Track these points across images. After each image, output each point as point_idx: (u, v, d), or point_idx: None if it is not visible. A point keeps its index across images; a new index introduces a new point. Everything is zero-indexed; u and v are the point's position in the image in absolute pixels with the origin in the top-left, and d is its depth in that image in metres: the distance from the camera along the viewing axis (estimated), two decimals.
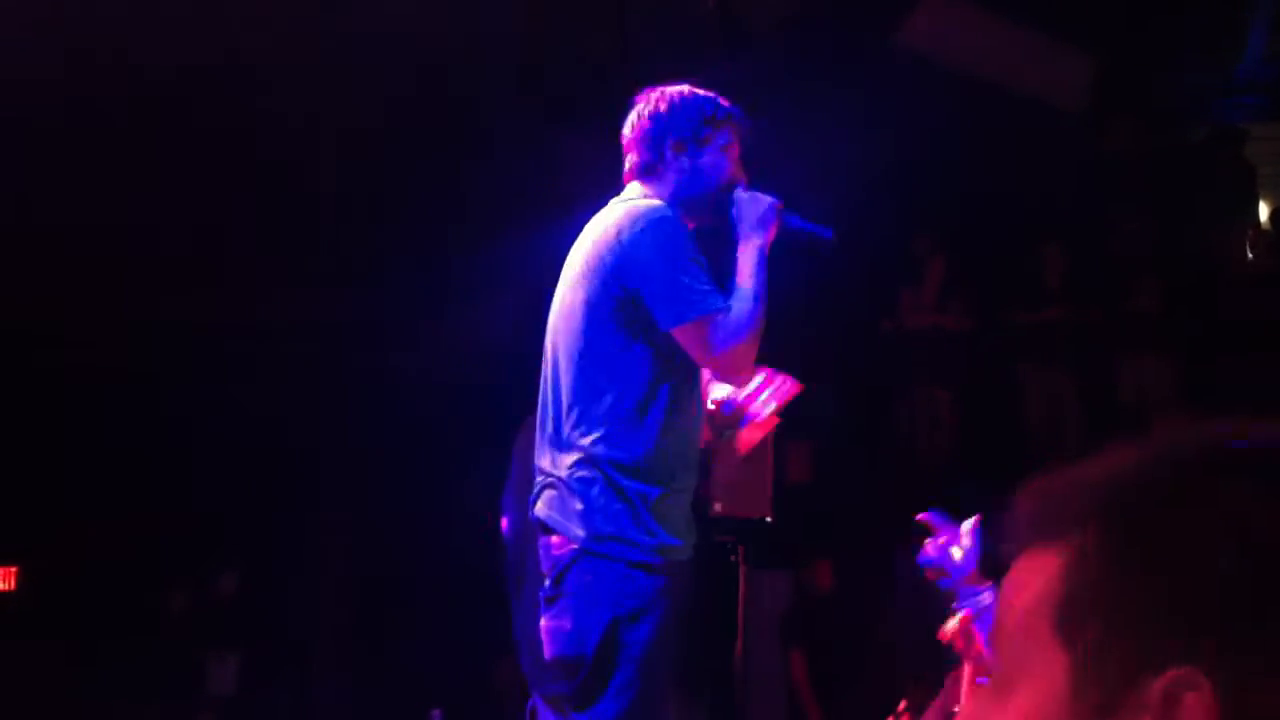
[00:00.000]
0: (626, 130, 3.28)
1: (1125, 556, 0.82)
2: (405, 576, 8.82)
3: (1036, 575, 0.86)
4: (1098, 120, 9.48)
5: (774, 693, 7.48)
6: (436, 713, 6.58)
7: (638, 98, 3.30)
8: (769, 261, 3.17)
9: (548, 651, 3.11)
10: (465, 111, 8.10)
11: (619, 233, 3.07)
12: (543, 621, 3.12)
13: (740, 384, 3.24)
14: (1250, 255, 9.11)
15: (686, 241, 3.06)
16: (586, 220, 3.26)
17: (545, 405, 3.18)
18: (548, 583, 3.11)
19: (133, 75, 7.30)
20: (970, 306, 9.10)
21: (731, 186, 3.23)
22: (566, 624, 3.05)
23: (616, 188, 3.31)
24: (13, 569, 9.03)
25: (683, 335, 3.03)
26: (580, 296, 3.10)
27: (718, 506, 4.15)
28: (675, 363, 3.09)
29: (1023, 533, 0.89)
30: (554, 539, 3.09)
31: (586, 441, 3.06)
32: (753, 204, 3.19)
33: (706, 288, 3.03)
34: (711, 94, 3.30)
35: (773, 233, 3.18)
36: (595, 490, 3.03)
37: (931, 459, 8.94)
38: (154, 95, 7.41)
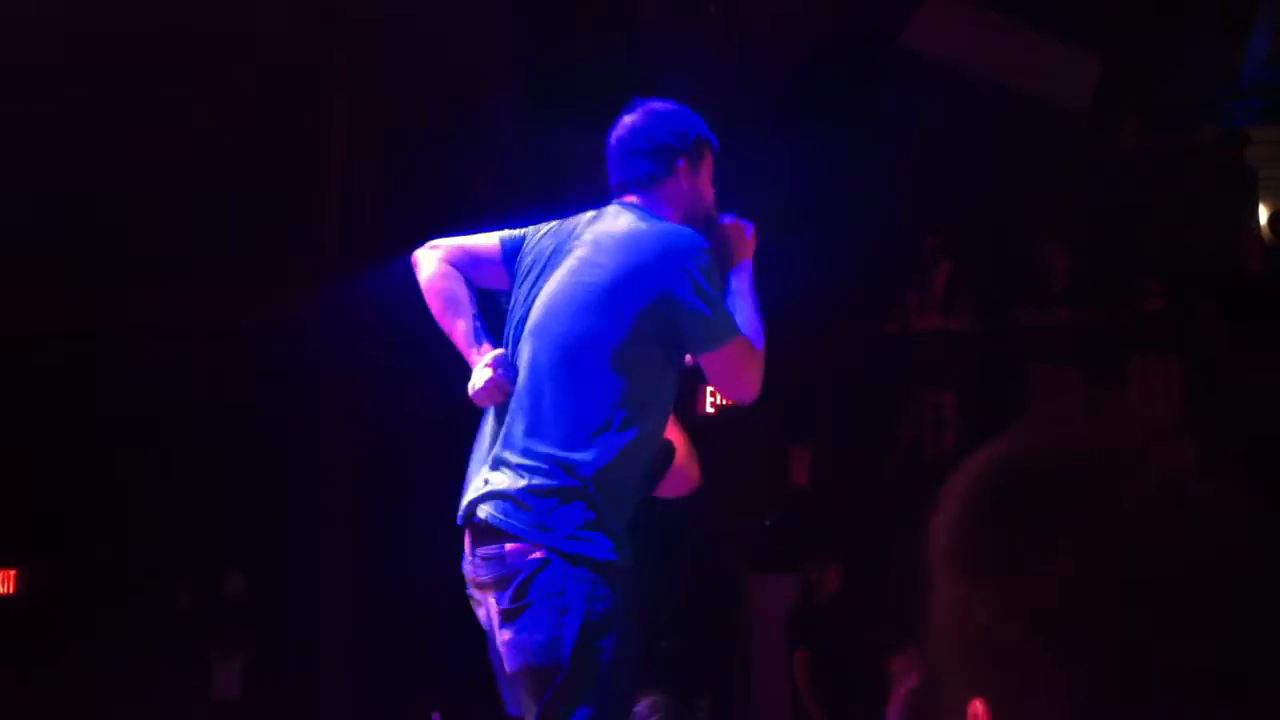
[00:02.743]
0: (620, 140, 3.26)
1: None
2: (410, 577, 8.81)
3: None
4: (1102, 122, 9.47)
5: (778, 695, 7.48)
6: (436, 715, 6.58)
7: (628, 110, 3.28)
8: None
9: (513, 664, 3.06)
10: (467, 108, 8.10)
11: (665, 251, 3.08)
12: (505, 635, 3.06)
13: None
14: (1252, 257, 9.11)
15: (718, 270, 3.15)
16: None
17: (514, 403, 3.15)
18: (504, 593, 3.05)
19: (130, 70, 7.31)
20: (977, 308, 9.09)
21: (712, 211, 3.28)
22: (538, 635, 3.01)
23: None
24: (12, 571, 9.02)
25: (717, 358, 3.11)
26: (601, 305, 3.09)
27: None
28: (666, 388, 3.17)
29: None
30: (510, 546, 3.05)
31: (567, 448, 3.05)
32: (738, 230, 3.27)
33: (732, 315, 3.14)
34: (698, 115, 3.30)
35: (753, 249, 3.29)
36: (569, 495, 3.03)
37: (937, 461, 8.93)
38: (147, 88, 7.42)
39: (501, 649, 3.09)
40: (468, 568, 3.16)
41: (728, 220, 3.30)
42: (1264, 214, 9.87)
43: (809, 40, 8.58)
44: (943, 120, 8.94)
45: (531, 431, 3.08)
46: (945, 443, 9.00)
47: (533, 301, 3.20)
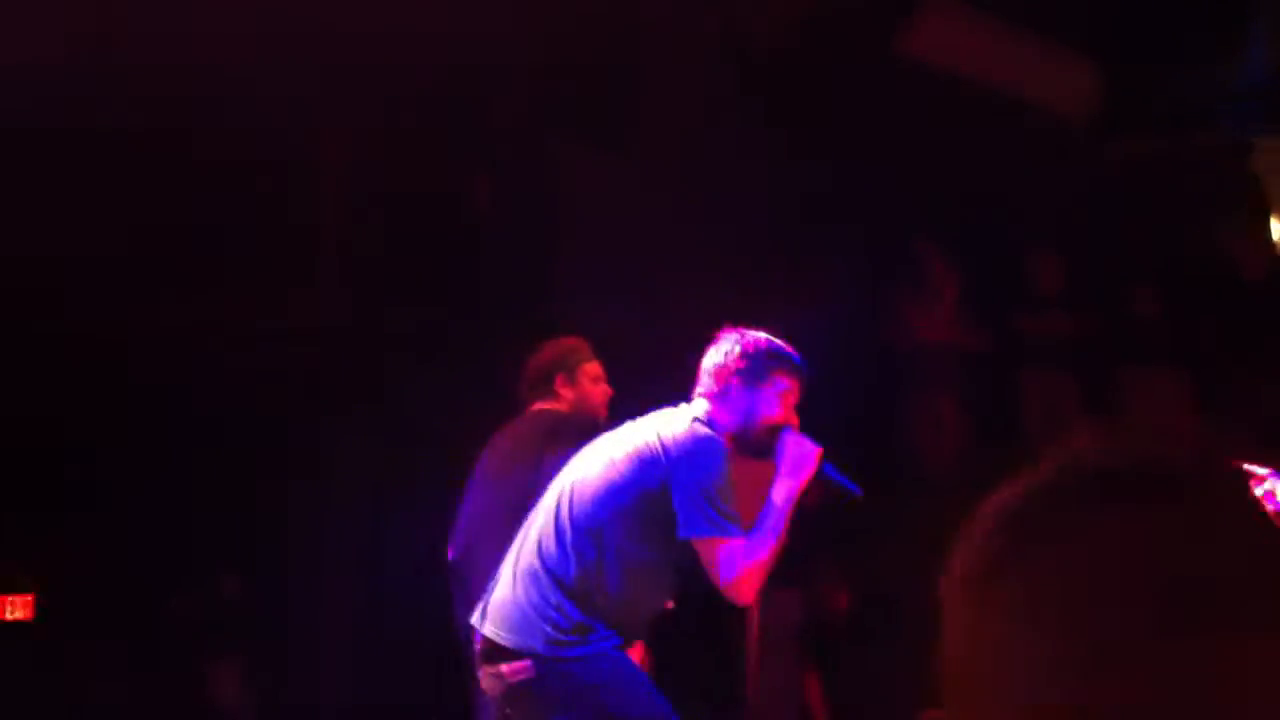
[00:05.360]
0: (708, 358, 3.87)
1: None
2: (410, 584, 8.81)
3: None
4: (1101, 128, 9.48)
5: (788, 712, 7.44)
6: None
7: (723, 332, 3.89)
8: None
9: None
10: (468, 122, 8.11)
11: (676, 443, 3.64)
12: None
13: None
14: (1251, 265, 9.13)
15: (725, 474, 3.59)
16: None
17: (535, 536, 3.64)
18: (507, 710, 3.55)
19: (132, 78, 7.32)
20: (975, 316, 9.10)
21: (779, 424, 3.76)
22: None
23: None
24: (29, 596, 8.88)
25: (700, 547, 3.55)
26: (625, 473, 3.64)
27: None
28: (656, 559, 3.61)
29: None
30: (505, 667, 3.51)
31: (569, 583, 3.53)
32: (798, 446, 3.75)
33: (729, 517, 3.54)
34: (782, 345, 3.90)
35: (809, 475, 3.74)
36: (559, 617, 3.50)
37: (935, 469, 8.93)
38: (145, 98, 7.43)
39: None
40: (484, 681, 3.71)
41: (794, 437, 3.74)
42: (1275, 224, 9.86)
43: (806, 48, 8.58)
44: (940, 127, 8.94)
45: (555, 560, 3.56)
46: (942, 450, 9.01)
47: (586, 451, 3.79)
